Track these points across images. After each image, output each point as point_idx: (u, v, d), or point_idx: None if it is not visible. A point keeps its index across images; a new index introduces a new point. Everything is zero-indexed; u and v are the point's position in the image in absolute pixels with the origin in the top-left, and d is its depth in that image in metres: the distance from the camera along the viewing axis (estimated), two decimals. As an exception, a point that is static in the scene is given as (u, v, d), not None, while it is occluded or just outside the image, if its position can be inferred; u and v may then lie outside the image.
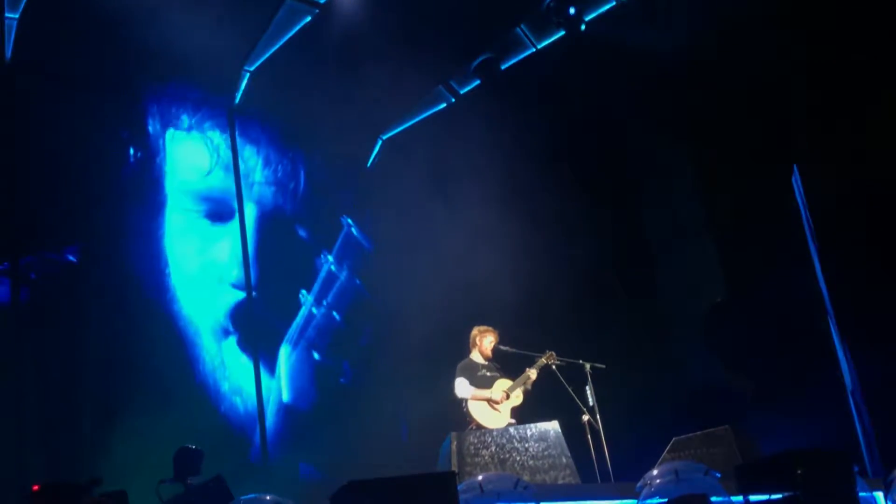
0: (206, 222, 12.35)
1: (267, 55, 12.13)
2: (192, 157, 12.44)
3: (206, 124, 12.57)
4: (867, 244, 10.99)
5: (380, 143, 13.91)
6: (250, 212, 12.82)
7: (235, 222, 12.57)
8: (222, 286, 12.31)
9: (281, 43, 12.00)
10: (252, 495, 6.57)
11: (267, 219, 13.05)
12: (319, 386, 12.72)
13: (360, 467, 10.43)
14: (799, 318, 11.95)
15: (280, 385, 12.37)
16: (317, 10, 11.73)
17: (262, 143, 13.15)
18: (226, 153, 12.63)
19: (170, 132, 12.22)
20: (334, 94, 12.03)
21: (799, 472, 6.53)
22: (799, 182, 11.89)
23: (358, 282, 13.56)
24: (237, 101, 12.58)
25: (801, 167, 11.76)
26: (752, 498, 6.74)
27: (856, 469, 7.10)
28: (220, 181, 12.59)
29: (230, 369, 11.97)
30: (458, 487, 6.28)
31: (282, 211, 13.23)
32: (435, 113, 13.54)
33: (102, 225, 11.24)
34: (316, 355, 12.81)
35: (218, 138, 12.60)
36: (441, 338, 12.19)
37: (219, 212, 12.47)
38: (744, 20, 11.69)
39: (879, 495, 7.96)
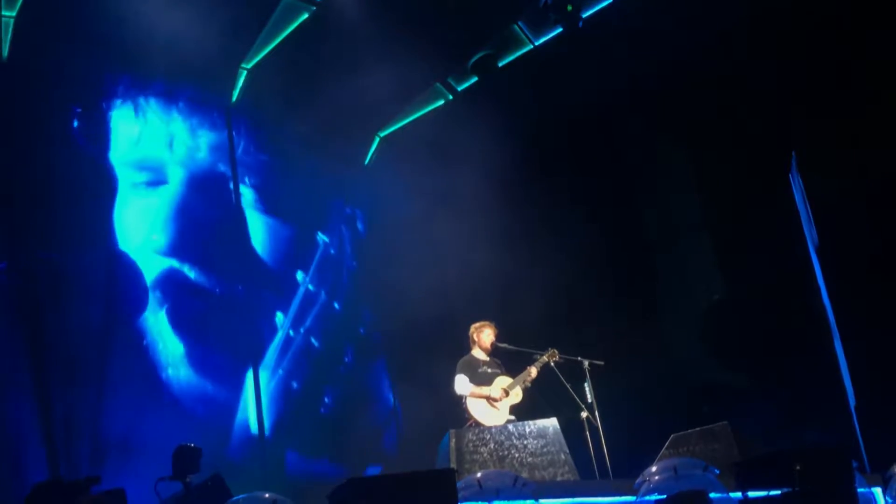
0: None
1: (264, 52, 12.12)
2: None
3: (203, 122, 12.54)
4: (866, 241, 11.00)
5: (377, 140, 13.90)
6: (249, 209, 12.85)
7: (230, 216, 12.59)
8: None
9: (279, 40, 11.98)
10: (249, 493, 6.58)
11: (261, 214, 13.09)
12: (299, 416, 12.53)
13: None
14: (797, 315, 11.96)
15: (254, 413, 12.27)
16: (314, 7, 11.71)
17: (257, 141, 13.12)
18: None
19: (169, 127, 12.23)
20: (332, 91, 12.01)
21: (797, 468, 6.53)
22: (797, 177, 11.89)
23: (337, 306, 13.45)
24: (234, 98, 12.56)
25: (800, 158, 11.76)
26: (751, 494, 6.75)
27: (854, 465, 7.11)
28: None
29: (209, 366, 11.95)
30: (457, 484, 6.28)
31: (277, 208, 13.25)
32: (433, 110, 13.52)
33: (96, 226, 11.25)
34: (294, 384, 12.69)
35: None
36: (439, 336, 12.22)
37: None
38: (743, 18, 11.69)
39: (878, 491, 7.98)
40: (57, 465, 9.95)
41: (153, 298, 11.53)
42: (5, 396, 9.95)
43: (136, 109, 11.92)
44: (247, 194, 12.81)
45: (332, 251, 13.43)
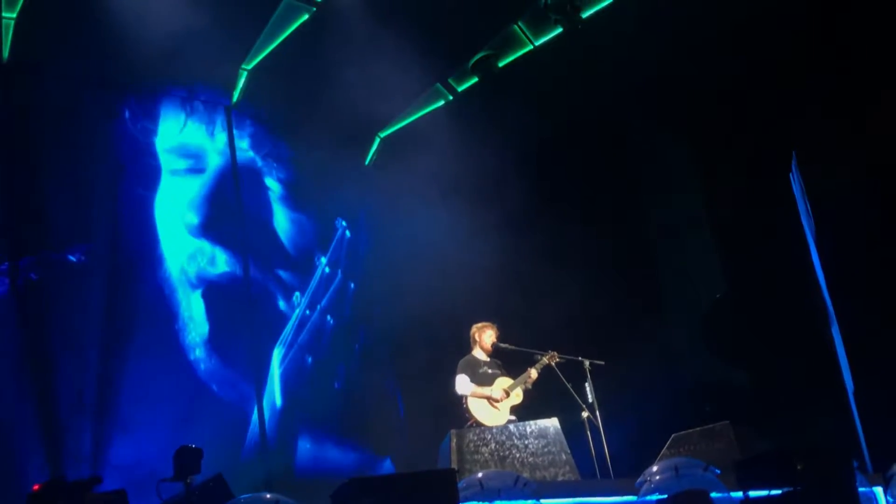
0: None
1: (265, 53, 12.12)
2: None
3: (203, 122, 12.56)
4: (867, 239, 11.00)
5: (378, 140, 13.90)
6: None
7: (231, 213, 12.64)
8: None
9: (279, 41, 11.99)
10: (252, 494, 6.58)
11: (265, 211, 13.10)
12: (314, 389, 12.63)
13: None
14: (799, 314, 11.96)
15: (274, 389, 12.33)
16: (314, 8, 11.72)
17: (259, 141, 13.13)
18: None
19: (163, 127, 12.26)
20: (332, 92, 12.01)
21: (798, 467, 6.54)
22: (798, 176, 11.90)
23: (352, 286, 13.52)
24: (235, 99, 12.57)
25: (801, 157, 11.76)
26: (752, 493, 6.75)
27: (855, 464, 7.11)
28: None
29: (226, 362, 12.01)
30: (459, 485, 6.29)
31: (280, 206, 13.25)
32: (433, 110, 13.52)
33: (101, 223, 11.25)
34: (309, 359, 12.75)
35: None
36: (440, 336, 12.22)
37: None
38: (744, 17, 11.69)
39: (879, 491, 7.98)
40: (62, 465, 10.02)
41: (185, 280, 11.84)
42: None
43: (135, 112, 11.96)
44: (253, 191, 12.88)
45: (325, 261, 13.42)
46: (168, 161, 12.15)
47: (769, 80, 12.14)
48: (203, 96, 12.48)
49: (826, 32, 11.54)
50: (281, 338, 12.52)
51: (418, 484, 5.90)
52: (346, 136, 13.32)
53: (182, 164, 12.31)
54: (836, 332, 11.55)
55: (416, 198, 12.81)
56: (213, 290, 12.12)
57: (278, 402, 12.24)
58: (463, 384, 9.51)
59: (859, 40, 11.25)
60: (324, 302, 13.13)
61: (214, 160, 12.64)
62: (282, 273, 12.90)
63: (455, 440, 8.52)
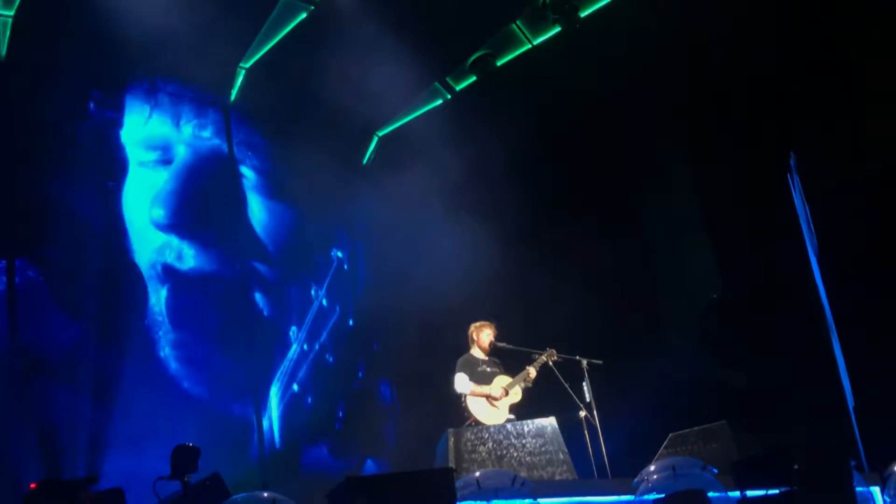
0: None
1: (263, 52, 12.11)
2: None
3: (202, 122, 12.54)
4: (865, 241, 11.01)
5: (375, 139, 13.89)
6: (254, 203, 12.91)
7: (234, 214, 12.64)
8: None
9: (277, 39, 11.98)
10: (249, 493, 6.58)
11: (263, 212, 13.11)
12: (313, 430, 12.62)
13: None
14: (796, 314, 11.97)
15: (272, 427, 12.35)
16: (312, 7, 11.71)
17: (256, 140, 13.12)
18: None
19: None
20: (330, 91, 12.00)
21: (796, 467, 6.54)
22: (796, 178, 11.91)
23: (351, 323, 13.52)
24: (233, 98, 12.56)
25: (799, 158, 11.77)
26: (749, 493, 6.76)
27: (853, 464, 7.12)
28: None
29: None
30: (456, 484, 6.28)
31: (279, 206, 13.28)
32: (431, 109, 13.52)
33: (96, 220, 11.26)
34: (309, 399, 12.77)
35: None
36: (437, 335, 12.21)
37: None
38: (743, 18, 11.70)
39: (876, 490, 7.99)
40: (58, 464, 10.00)
41: (160, 289, 11.78)
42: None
43: (134, 110, 11.94)
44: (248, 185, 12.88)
45: (323, 293, 13.41)
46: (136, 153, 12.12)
47: (767, 81, 12.15)
48: (201, 95, 12.46)
49: (825, 32, 11.55)
50: (278, 374, 12.53)
51: (415, 483, 5.89)
52: (343, 136, 13.31)
53: (151, 156, 12.25)
54: (833, 332, 11.56)
55: (414, 197, 12.80)
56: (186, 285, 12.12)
57: (278, 442, 12.30)
58: (462, 383, 9.51)
59: (858, 41, 11.27)
60: (323, 337, 13.11)
61: (182, 152, 12.54)
62: (267, 272, 12.90)
63: (452, 439, 8.51)
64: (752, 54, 12.05)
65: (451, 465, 8.21)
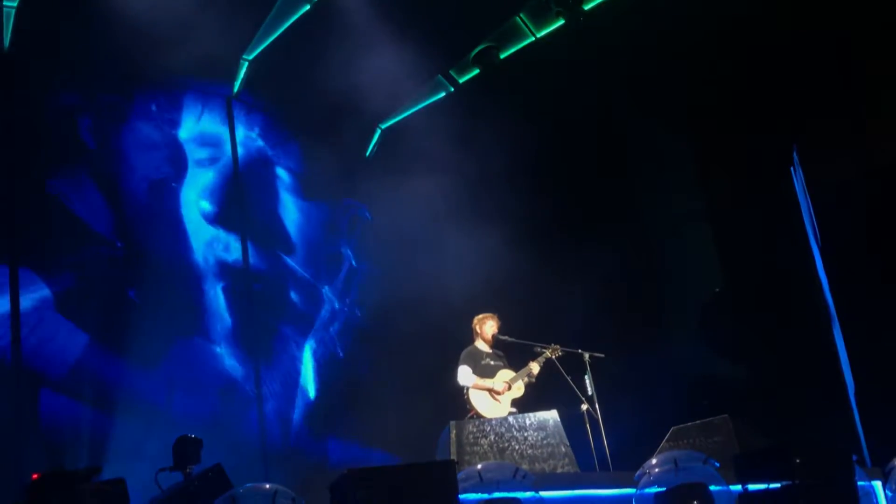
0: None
1: (266, 44, 12.10)
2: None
3: (205, 113, 12.55)
4: (867, 234, 11.01)
5: (378, 132, 13.88)
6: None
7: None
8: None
9: (280, 31, 11.97)
10: (251, 484, 6.58)
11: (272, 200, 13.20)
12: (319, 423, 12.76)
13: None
14: (798, 308, 11.97)
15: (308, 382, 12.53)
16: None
17: (261, 132, 13.12)
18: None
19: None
20: (333, 83, 11.99)
21: (798, 461, 6.54)
22: (799, 169, 11.90)
23: (358, 312, 13.56)
24: (236, 89, 12.55)
25: (801, 152, 11.77)
26: (751, 487, 6.76)
27: (854, 458, 7.12)
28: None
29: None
30: (458, 476, 6.29)
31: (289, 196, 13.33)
32: (434, 102, 13.50)
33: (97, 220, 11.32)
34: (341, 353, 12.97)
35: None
36: (440, 328, 12.21)
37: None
38: (746, 11, 11.68)
39: (878, 485, 7.99)
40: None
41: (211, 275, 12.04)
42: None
43: (134, 103, 11.98)
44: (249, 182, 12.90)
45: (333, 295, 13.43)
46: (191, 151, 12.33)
47: (770, 75, 12.13)
48: (205, 87, 12.47)
49: (827, 27, 11.53)
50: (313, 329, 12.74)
51: (417, 475, 5.90)
52: (346, 127, 13.31)
53: (202, 153, 12.46)
54: (836, 326, 11.56)
55: (417, 189, 12.79)
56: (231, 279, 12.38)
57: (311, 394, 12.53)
58: (465, 375, 9.50)
59: (861, 37, 11.25)
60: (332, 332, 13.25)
61: (229, 151, 12.83)
62: (290, 261, 12.99)
63: (454, 431, 8.51)
64: (756, 48, 12.03)
65: (453, 457, 8.22)
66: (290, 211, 13.26)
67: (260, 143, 13.10)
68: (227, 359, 11.94)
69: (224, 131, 12.72)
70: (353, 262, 13.63)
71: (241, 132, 12.91)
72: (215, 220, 12.40)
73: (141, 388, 10.95)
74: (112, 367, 10.85)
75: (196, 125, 12.53)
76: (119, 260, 11.33)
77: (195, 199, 12.28)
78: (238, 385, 11.95)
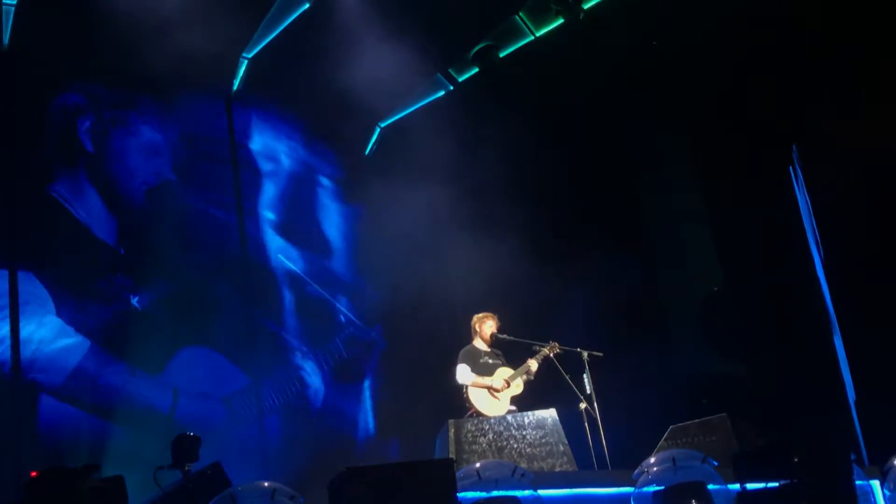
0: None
1: (266, 42, 12.09)
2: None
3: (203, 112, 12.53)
4: (867, 234, 11.01)
5: (378, 130, 13.88)
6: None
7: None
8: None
9: (280, 29, 11.96)
10: (249, 482, 6.59)
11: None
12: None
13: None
14: (797, 307, 11.97)
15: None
16: (316, -4, 11.71)
17: (259, 131, 13.10)
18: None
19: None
20: (332, 82, 11.98)
21: (796, 460, 6.54)
22: (798, 168, 11.90)
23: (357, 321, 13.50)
24: (235, 88, 12.54)
25: (801, 151, 11.77)
26: (749, 486, 6.76)
27: (853, 458, 7.12)
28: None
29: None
30: (457, 474, 6.29)
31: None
32: (434, 101, 13.50)
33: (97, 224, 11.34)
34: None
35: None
36: (438, 326, 12.23)
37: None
38: (745, 8, 11.68)
39: (876, 484, 7.99)
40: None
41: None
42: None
43: (135, 104, 11.94)
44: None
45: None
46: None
47: (770, 73, 12.13)
48: (204, 85, 12.44)
49: (828, 25, 11.53)
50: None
51: (416, 473, 5.90)
52: (346, 126, 13.30)
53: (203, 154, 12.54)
54: (835, 325, 11.55)
55: (415, 187, 12.77)
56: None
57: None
58: (464, 374, 9.51)
59: (862, 34, 11.24)
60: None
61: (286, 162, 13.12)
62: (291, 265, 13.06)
63: (453, 430, 8.52)
64: (756, 47, 12.03)
65: (452, 455, 8.23)
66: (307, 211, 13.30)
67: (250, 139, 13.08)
68: (231, 366, 11.87)
69: (223, 132, 12.69)
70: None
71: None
72: (219, 223, 12.40)
73: (143, 395, 10.91)
74: (113, 374, 10.79)
75: (196, 125, 12.49)
76: (121, 266, 11.28)
77: (199, 200, 12.29)
78: (242, 392, 11.89)
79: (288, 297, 12.83)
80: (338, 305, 13.21)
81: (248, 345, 12.16)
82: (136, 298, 11.30)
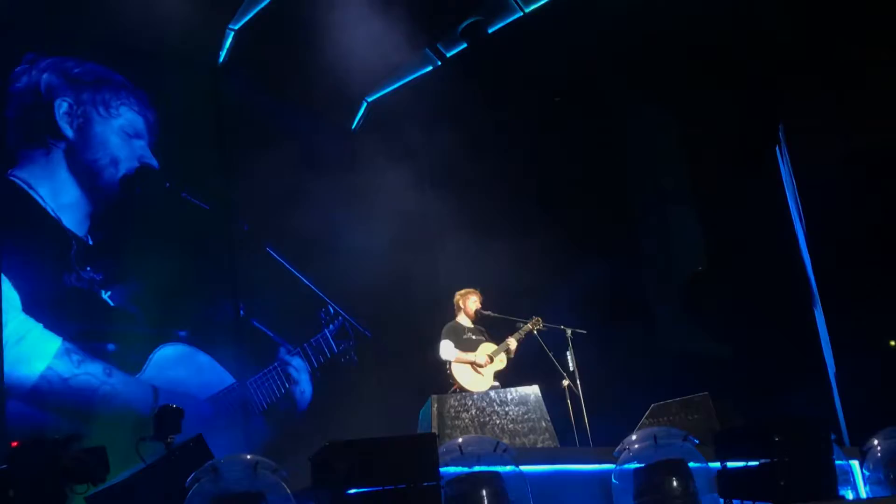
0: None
1: (252, 13, 12.01)
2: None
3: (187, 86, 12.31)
4: (851, 213, 11.05)
5: (365, 104, 13.82)
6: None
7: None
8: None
9: (267, 1, 11.88)
10: (231, 455, 6.59)
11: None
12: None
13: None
14: (781, 287, 12.02)
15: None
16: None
17: (245, 107, 12.94)
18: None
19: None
20: (319, 55, 11.91)
21: (776, 439, 6.58)
22: (784, 150, 11.92)
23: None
24: (221, 59, 12.45)
25: (787, 133, 11.79)
26: (730, 464, 6.80)
27: (833, 437, 7.16)
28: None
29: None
30: (439, 450, 6.30)
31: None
32: (421, 76, 13.46)
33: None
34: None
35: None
36: (424, 303, 12.23)
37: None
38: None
39: (855, 464, 8.05)
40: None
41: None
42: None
43: (114, 81, 11.58)
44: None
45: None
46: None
47: (758, 55, 12.13)
48: (188, 56, 12.29)
49: (815, 8, 11.52)
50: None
51: (398, 447, 5.90)
52: (332, 100, 13.24)
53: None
54: (818, 307, 11.61)
55: (398, 162, 12.74)
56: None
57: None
58: (447, 349, 9.51)
59: (850, 12, 11.24)
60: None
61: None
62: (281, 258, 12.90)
63: (436, 405, 8.53)
64: (744, 28, 12.02)
65: (434, 430, 8.24)
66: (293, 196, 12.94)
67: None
68: (215, 365, 11.55)
69: (207, 108, 12.44)
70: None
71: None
72: (201, 211, 11.88)
73: (120, 396, 10.46)
74: (87, 375, 10.27)
75: (178, 103, 11.93)
76: (91, 258, 10.66)
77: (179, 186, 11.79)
78: (228, 390, 11.63)
79: (275, 289, 12.50)
80: (325, 297, 13.01)
81: (232, 342, 11.85)
82: (109, 293, 10.76)
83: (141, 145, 11.61)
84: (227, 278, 12.13)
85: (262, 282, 12.46)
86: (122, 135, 11.46)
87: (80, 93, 11.18)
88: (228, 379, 11.65)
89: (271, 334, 12.36)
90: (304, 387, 12.51)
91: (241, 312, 12.12)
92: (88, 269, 10.66)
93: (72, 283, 10.51)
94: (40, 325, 10.13)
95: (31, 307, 10.10)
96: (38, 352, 10.10)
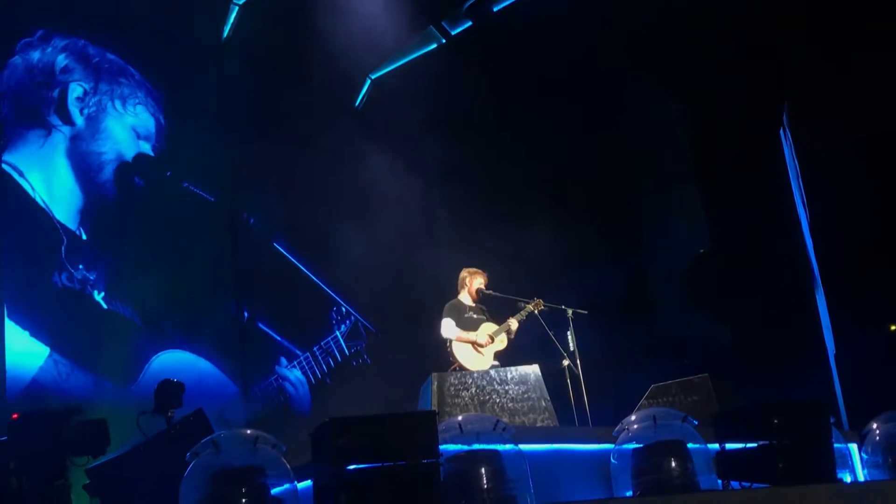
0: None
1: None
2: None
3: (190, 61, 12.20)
4: (854, 196, 11.03)
5: (368, 82, 13.78)
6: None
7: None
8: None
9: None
10: (231, 430, 6.61)
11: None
12: None
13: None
14: (782, 270, 12.01)
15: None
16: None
17: (248, 79, 12.87)
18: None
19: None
20: (323, 32, 11.86)
21: (775, 421, 6.59)
22: (788, 132, 11.89)
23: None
24: (225, 35, 12.40)
25: (791, 116, 11.75)
26: (729, 446, 6.81)
27: (832, 420, 7.18)
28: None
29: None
30: (439, 427, 6.31)
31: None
32: (425, 53, 13.41)
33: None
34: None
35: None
36: (424, 282, 12.22)
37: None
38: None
39: (854, 448, 8.07)
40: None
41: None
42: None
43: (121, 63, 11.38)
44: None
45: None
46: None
47: (762, 38, 12.08)
48: (192, 32, 12.22)
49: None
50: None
51: (398, 424, 5.90)
52: (336, 77, 13.18)
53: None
54: (819, 290, 11.61)
55: (400, 139, 12.70)
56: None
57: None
58: (448, 328, 9.52)
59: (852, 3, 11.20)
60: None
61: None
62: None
63: (436, 383, 8.55)
64: (746, 14, 11.97)
65: (434, 408, 8.25)
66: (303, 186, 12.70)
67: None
68: (218, 373, 11.18)
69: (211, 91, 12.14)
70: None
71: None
72: (204, 203, 11.47)
73: (114, 407, 9.35)
74: (77, 387, 9.65)
75: (183, 86, 11.63)
76: (83, 255, 10.11)
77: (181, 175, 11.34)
78: (231, 403, 11.26)
79: (282, 289, 12.01)
80: (336, 297, 12.57)
81: (236, 347, 11.40)
82: (103, 295, 10.20)
83: (147, 148, 11.34)
84: (230, 277, 11.67)
85: (269, 280, 12.00)
86: (132, 134, 11.16)
87: (99, 82, 10.85)
88: (231, 388, 11.26)
89: (278, 338, 11.97)
90: (303, 402, 12.07)
91: (246, 314, 11.68)
92: (81, 266, 10.08)
93: (63, 284, 9.93)
94: (26, 334, 9.55)
95: (17, 312, 9.50)
96: (24, 362, 9.49)
